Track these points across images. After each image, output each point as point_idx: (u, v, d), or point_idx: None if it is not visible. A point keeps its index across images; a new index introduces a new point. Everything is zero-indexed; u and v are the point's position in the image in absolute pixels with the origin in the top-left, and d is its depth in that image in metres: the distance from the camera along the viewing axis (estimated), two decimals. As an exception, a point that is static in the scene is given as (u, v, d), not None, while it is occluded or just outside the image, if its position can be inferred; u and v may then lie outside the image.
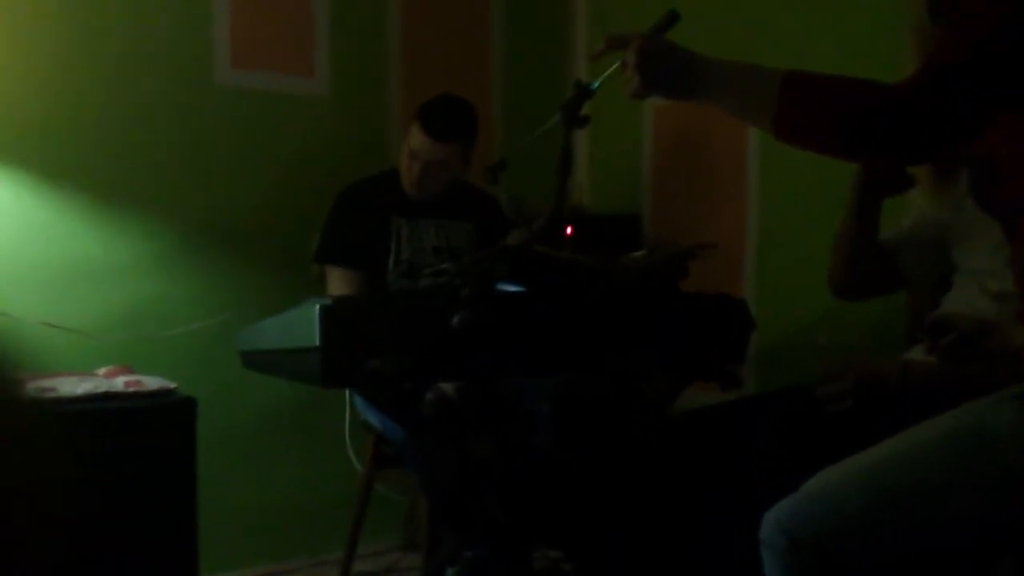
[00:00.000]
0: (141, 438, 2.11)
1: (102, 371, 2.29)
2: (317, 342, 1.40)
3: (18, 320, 2.38)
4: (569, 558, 2.47)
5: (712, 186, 2.96)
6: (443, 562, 2.15)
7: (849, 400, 1.64)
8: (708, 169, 2.98)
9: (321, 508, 2.88)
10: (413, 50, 3.06)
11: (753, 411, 1.85)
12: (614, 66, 1.85)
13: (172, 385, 2.22)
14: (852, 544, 1.26)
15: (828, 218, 2.63)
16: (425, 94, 2.57)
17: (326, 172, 2.81)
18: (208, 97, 2.70)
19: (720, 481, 1.73)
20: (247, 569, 2.76)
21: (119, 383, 2.17)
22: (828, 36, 2.61)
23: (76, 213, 2.51)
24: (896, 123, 1.18)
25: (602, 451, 2.15)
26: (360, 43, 2.97)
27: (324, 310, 1.41)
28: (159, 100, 2.62)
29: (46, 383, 2.12)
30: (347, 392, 2.71)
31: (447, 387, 2.16)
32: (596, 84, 1.87)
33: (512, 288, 1.54)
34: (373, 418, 2.46)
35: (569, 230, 2.57)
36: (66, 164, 2.49)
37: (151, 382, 2.20)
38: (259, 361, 1.70)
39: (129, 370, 2.29)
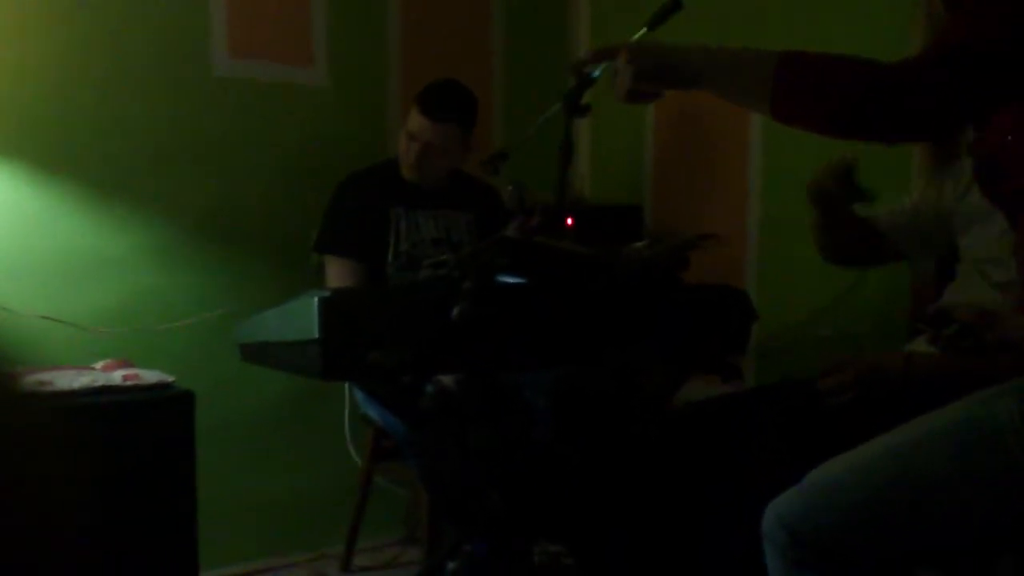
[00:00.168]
0: (140, 432, 2.10)
1: (100, 365, 2.28)
2: (316, 334, 1.39)
3: (15, 313, 2.37)
4: (570, 552, 2.47)
5: (714, 177, 2.95)
6: (444, 556, 2.15)
7: (850, 393, 1.63)
8: (710, 159, 2.97)
9: (321, 502, 2.88)
10: (413, 40, 3.04)
11: (754, 403, 1.84)
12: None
13: (170, 379, 2.21)
14: (853, 538, 1.25)
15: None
16: (425, 84, 2.56)
17: (325, 163, 2.79)
18: (206, 87, 2.68)
19: (721, 474, 1.73)
20: (247, 563, 2.75)
21: (117, 377, 2.16)
22: (839, 26, 2.59)
23: (73, 206, 2.50)
24: (896, 101, 1.17)
25: (602, 445, 2.14)
26: (359, 33, 2.95)
27: (323, 302, 1.40)
28: (157, 90, 2.60)
29: (44, 377, 2.11)
30: (347, 385, 2.70)
31: (447, 380, 2.15)
32: (597, 73, 1.86)
33: (512, 280, 1.53)
34: (373, 411, 2.46)
35: (570, 221, 2.56)
36: (63, 156, 2.48)
37: (149, 375, 2.19)
38: (258, 354, 1.69)
39: (127, 363, 2.28)
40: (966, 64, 1.15)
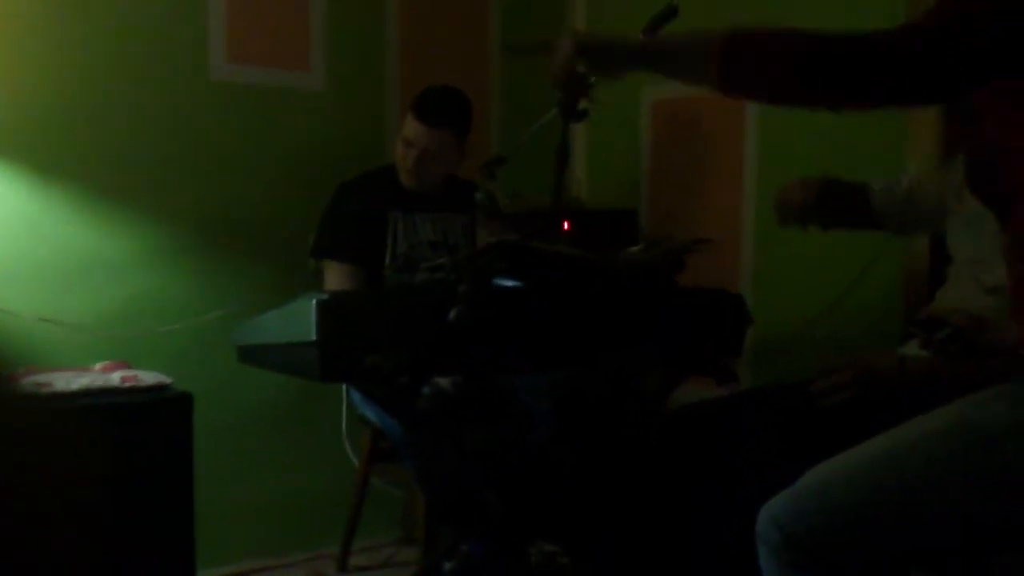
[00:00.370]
0: (138, 433, 2.11)
1: (98, 366, 2.28)
2: (314, 337, 1.40)
3: (14, 315, 2.38)
4: (566, 552, 2.47)
5: (709, 181, 2.96)
6: (440, 556, 2.15)
7: (844, 394, 1.64)
8: (705, 164, 2.98)
9: (318, 503, 2.88)
10: (410, 45, 3.05)
11: (749, 406, 1.85)
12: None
13: (168, 380, 2.21)
14: (846, 539, 1.26)
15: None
16: (422, 89, 2.57)
17: (322, 167, 2.80)
18: (203, 92, 2.69)
19: (716, 475, 1.74)
20: (244, 563, 2.76)
21: (115, 378, 2.16)
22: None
23: (72, 208, 2.51)
24: (847, 65, 1.16)
25: (599, 447, 2.15)
26: (357, 37, 2.96)
27: (321, 305, 1.41)
28: (154, 94, 2.61)
29: (42, 378, 2.12)
30: (344, 387, 2.71)
31: (444, 382, 2.16)
32: (593, 78, 1.87)
33: (509, 283, 1.54)
34: (370, 413, 2.46)
35: (566, 225, 2.57)
36: (61, 159, 2.48)
37: (147, 377, 2.20)
38: (256, 356, 1.70)
39: (125, 365, 2.28)
40: (941, 39, 1.14)
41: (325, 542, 2.86)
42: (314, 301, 1.41)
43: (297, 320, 1.45)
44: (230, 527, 2.71)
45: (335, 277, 2.54)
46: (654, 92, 3.12)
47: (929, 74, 1.15)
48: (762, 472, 1.57)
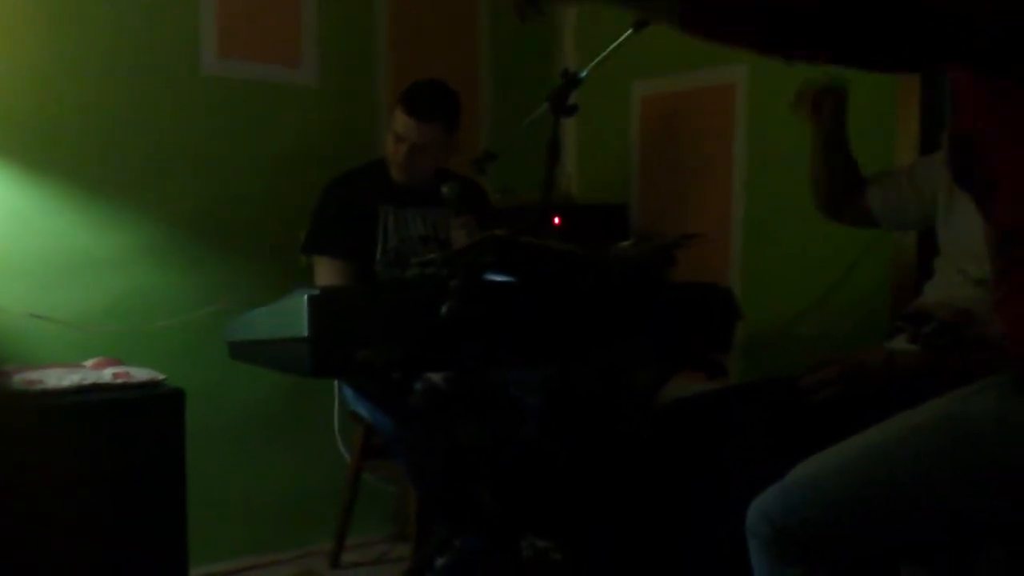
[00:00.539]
0: (129, 430, 2.10)
1: (90, 363, 2.28)
2: (306, 332, 1.41)
3: (5, 312, 2.37)
4: (558, 547, 2.48)
5: (699, 176, 2.97)
6: (432, 552, 2.16)
7: (832, 390, 1.65)
8: (696, 159, 2.99)
9: (310, 499, 2.89)
10: (401, 40, 3.05)
11: (738, 400, 1.86)
12: (601, 55, 1.86)
13: (160, 376, 2.21)
14: (836, 532, 1.27)
15: (814, 210, 2.65)
16: (410, 83, 2.56)
17: (314, 162, 2.80)
18: (195, 87, 2.68)
19: (705, 469, 1.74)
20: (237, 560, 2.76)
21: (107, 375, 2.16)
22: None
23: (63, 204, 2.50)
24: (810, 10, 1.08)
25: (590, 442, 2.16)
26: (348, 33, 2.95)
27: (312, 300, 1.41)
28: (145, 90, 2.60)
29: (33, 375, 2.11)
30: (336, 383, 2.71)
31: (436, 377, 2.16)
32: (584, 73, 1.88)
33: (500, 278, 1.55)
34: (362, 409, 2.47)
35: (557, 220, 2.57)
36: (52, 155, 2.48)
37: (139, 374, 2.19)
38: (247, 352, 1.70)
39: (117, 362, 2.28)
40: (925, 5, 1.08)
41: (317, 538, 2.86)
42: (306, 297, 1.41)
43: (289, 316, 1.45)
44: (223, 523, 2.70)
45: (326, 273, 2.54)
46: (644, 87, 3.12)
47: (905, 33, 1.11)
48: (752, 466, 1.58)
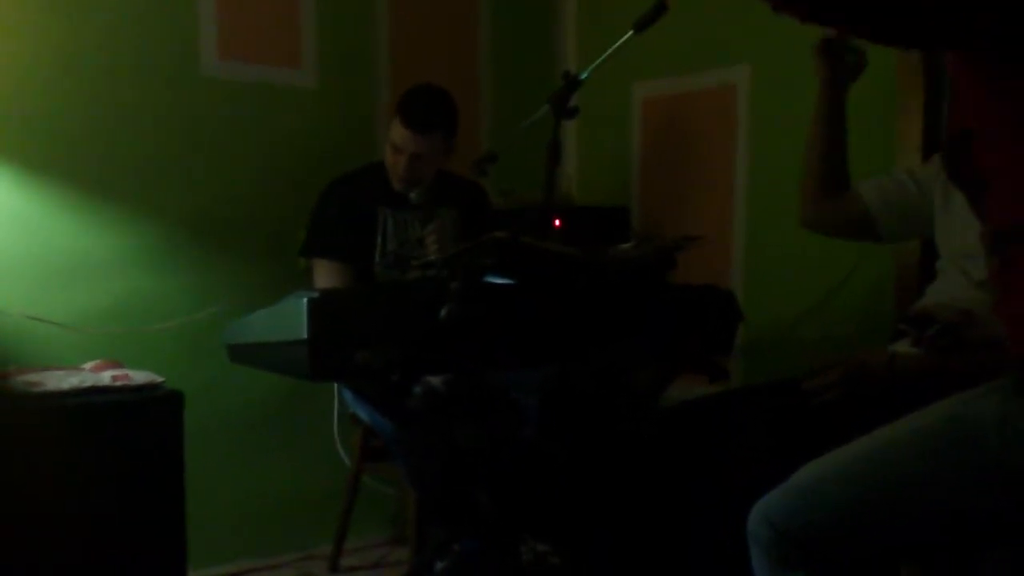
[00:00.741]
0: (128, 432, 2.10)
1: (89, 365, 2.28)
2: (305, 335, 1.40)
3: (4, 314, 2.37)
4: (557, 551, 2.47)
5: (700, 178, 2.96)
6: (432, 555, 2.15)
7: (835, 392, 1.64)
8: (696, 161, 2.98)
9: (309, 502, 2.88)
10: (401, 41, 3.05)
11: (741, 403, 1.86)
12: (602, 57, 1.85)
13: (159, 379, 2.21)
14: (838, 535, 1.26)
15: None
16: (404, 92, 2.55)
17: (314, 164, 2.80)
18: (194, 89, 2.68)
19: (707, 472, 1.74)
20: (235, 563, 2.75)
21: (106, 377, 2.16)
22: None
23: (62, 206, 2.49)
24: None
25: (590, 444, 2.15)
26: (348, 34, 2.95)
27: (312, 303, 1.40)
28: (145, 91, 2.60)
29: (33, 377, 2.11)
30: (335, 385, 2.70)
31: (435, 380, 2.15)
32: (585, 75, 1.87)
33: (500, 280, 1.54)
34: (361, 411, 2.46)
35: (557, 222, 2.57)
36: (51, 157, 2.47)
37: (138, 376, 2.19)
38: (246, 355, 1.70)
39: (116, 364, 2.27)
40: None
41: (316, 541, 2.85)
42: (305, 299, 1.41)
43: (288, 318, 1.45)
44: (221, 526, 2.70)
45: (325, 275, 2.53)
46: (645, 89, 3.12)
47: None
48: (754, 469, 1.58)
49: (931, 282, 1.88)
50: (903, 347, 1.70)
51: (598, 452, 2.10)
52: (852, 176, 1.99)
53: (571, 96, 1.87)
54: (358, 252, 2.54)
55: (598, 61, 1.85)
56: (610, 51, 1.83)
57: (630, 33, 1.82)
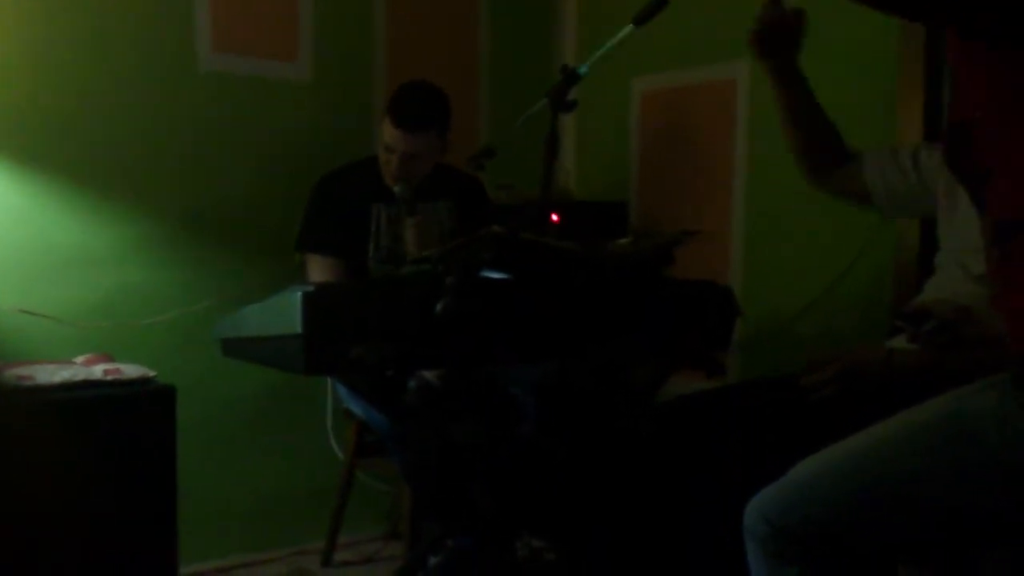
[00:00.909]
0: (120, 427, 2.09)
1: (80, 359, 2.26)
2: (299, 329, 1.39)
3: (-5, 307, 2.36)
4: (553, 547, 2.47)
5: (699, 173, 2.96)
6: (426, 551, 2.14)
7: (832, 388, 1.64)
8: (695, 156, 2.97)
9: (303, 497, 2.87)
10: (398, 35, 3.03)
11: (738, 399, 1.85)
12: (600, 51, 1.84)
13: (151, 373, 2.19)
14: (834, 531, 1.26)
15: (814, 207, 2.63)
16: (395, 91, 2.54)
17: (309, 158, 2.78)
18: (189, 82, 2.66)
19: (704, 468, 1.73)
20: (228, 558, 2.74)
21: (98, 371, 2.14)
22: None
23: (55, 200, 2.48)
24: None
25: (589, 439, 2.15)
26: (344, 27, 2.94)
27: (306, 297, 1.39)
28: (140, 84, 2.59)
29: (23, 371, 2.09)
30: (329, 380, 2.69)
31: (430, 375, 2.14)
32: (584, 69, 1.86)
33: (496, 275, 1.53)
34: (356, 406, 2.45)
35: (555, 217, 2.56)
36: (45, 150, 2.46)
37: (130, 370, 2.18)
38: (240, 349, 1.68)
39: (108, 358, 2.26)
40: None
41: (310, 537, 2.84)
42: (300, 293, 1.40)
43: (282, 313, 1.44)
44: (214, 521, 2.69)
45: (318, 270, 2.52)
46: (644, 83, 3.11)
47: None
48: (751, 465, 1.57)
49: (930, 277, 1.88)
50: (900, 343, 1.69)
51: (596, 448, 2.10)
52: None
53: (570, 90, 1.86)
54: (351, 247, 2.52)
55: (597, 55, 1.83)
56: (609, 45, 1.82)
57: (629, 27, 1.81)
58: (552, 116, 1.84)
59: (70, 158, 2.50)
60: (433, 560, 2.18)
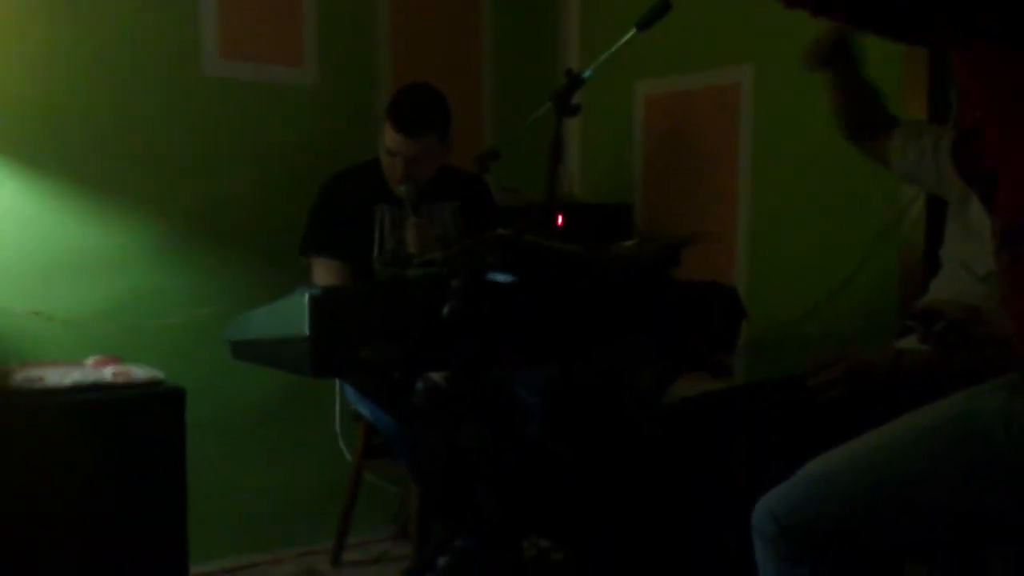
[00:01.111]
0: (130, 428, 2.10)
1: (90, 361, 2.27)
2: (307, 332, 1.40)
3: (6, 310, 2.37)
4: (560, 547, 2.47)
5: (704, 176, 2.96)
6: (434, 551, 2.15)
7: (840, 388, 1.64)
8: (700, 158, 2.98)
9: (311, 498, 2.88)
10: (402, 39, 3.04)
11: (744, 400, 1.85)
12: (604, 54, 1.85)
13: (161, 375, 2.20)
14: (842, 531, 1.26)
15: (819, 208, 2.64)
16: (394, 95, 2.54)
17: (315, 162, 2.79)
18: (196, 87, 2.68)
19: (711, 469, 1.74)
20: (237, 558, 2.75)
21: (107, 373, 2.15)
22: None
23: (64, 204, 2.49)
24: None
25: (595, 442, 2.15)
26: (349, 33, 2.94)
27: (314, 300, 1.40)
28: (146, 90, 2.60)
29: (34, 373, 2.10)
30: (337, 382, 2.70)
31: (437, 377, 2.15)
32: (587, 73, 1.87)
33: (502, 278, 1.54)
34: (363, 408, 2.46)
35: (560, 220, 2.56)
36: (53, 155, 2.47)
37: (140, 372, 2.19)
38: (248, 351, 1.70)
39: (117, 360, 2.27)
40: None
41: (318, 537, 2.85)
42: (307, 296, 1.41)
43: (290, 315, 1.45)
44: (223, 522, 2.70)
45: (323, 273, 2.52)
46: (648, 87, 3.11)
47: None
48: (758, 466, 1.57)
49: (934, 277, 1.88)
50: (910, 343, 1.69)
51: (602, 450, 2.10)
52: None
53: (574, 94, 1.86)
54: (356, 249, 2.53)
55: (601, 59, 1.84)
56: (613, 49, 1.83)
57: (633, 31, 1.82)
58: (556, 120, 1.85)
59: (80, 163, 2.51)
60: (441, 560, 2.19)
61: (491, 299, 1.52)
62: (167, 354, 2.50)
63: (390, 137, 2.46)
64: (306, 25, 2.86)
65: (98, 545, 1.89)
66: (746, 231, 2.81)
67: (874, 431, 1.28)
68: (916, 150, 1.91)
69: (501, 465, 1.97)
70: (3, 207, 2.41)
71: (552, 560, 2.50)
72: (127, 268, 2.59)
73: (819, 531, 1.26)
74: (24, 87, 2.42)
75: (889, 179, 2.27)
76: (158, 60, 2.61)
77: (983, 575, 1.47)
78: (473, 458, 1.94)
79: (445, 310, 1.43)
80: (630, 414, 2.13)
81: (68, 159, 2.49)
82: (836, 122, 2.00)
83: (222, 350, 1.78)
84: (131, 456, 2.08)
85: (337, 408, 2.77)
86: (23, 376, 2.07)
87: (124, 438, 2.08)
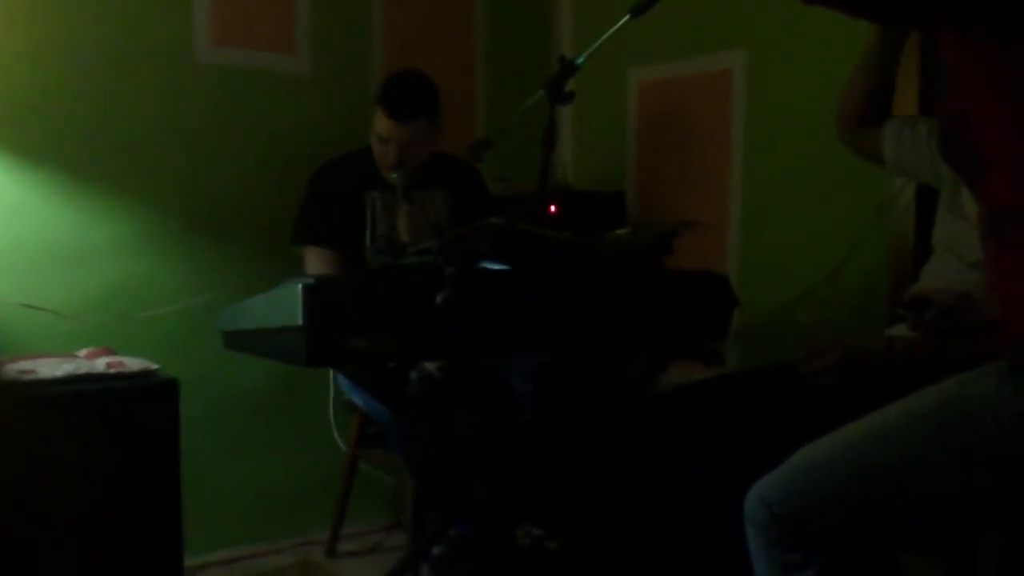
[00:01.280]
0: (123, 420, 2.10)
1: (83, 352, 2.27)
2: (300, 321, 1.40)
3: (-3, 301, 2.36)
4: (553, 536, 2.48)
5: (696, 163, 2.96)
6: (428, 541, 2.16)
7: (832, 375, 1.64)
8: (692, 146, 2.98)
9: (306, 488, 2.88)
10: (395, 26, 3.03)
11: (736, 387, 1.86)
12: (597, 41, 1.84)
13: (154, 366, 2.20)
14: (834, 517, 1.27)
15: (811, 197, 2.64)
16: (383, 81, 2.53)
17: (308, 151, 2.78)
18: (188, 75, 2.67)
19: (703, 457, 1.74)
20: (232, 549, 2.75)
21: (100, 364, 2.15)
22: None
23: (56, 193, 2.49)
24: None
25: (586, 430, 2.16)
26: (342, 20, 2.93)
27: (307, 289, 1.40)
28: (139, 77, 2.59)
29: (26, 365, 2.10)
30: (331, 372, 2.70)
31: (431, 366, 2.15)
32: (580, 59, 1.86)
33: (496, 266, 1.54)
34: (357, 398, 2.46)
35: (553, 208, 2.56)
36: (44, 143, 2.46)
37: (133, 363, 2.18)
38: (241, 341, 1.69)
39: (110, 351, 2.27)
40: None
41: (313, 527, 2.85)
42: (300, 285, 1.40)
43: (283, 305, 1.44)
44: (218, 513, 2.70)
45: (315, 262, 2.52)
46: (641, 74, 3.11)
47: None
48: (750, 453, 1.58)
49: (925, 264, 1.89)
50: (901, 331, 1.70)
51: (593, 438, 2.11)
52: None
53: (566, 81, 1.86)
54: (347, 238, 2.52)
55: (594, 46, 1.84)
56: (606, 36, 1.82)
57: (626, 18, 1.81)
58: (549, 107, 1.85)
59: (70, 151, 2.50)
60: (436, 550, 2.20)
61: (485, 287, 1.52)
62: (160, 345, 2.49)
63: (382, 124, 2.46)
64: (299, 12, 2.85)
65: (92, 537, 1.89)
66: (738, 218, 2.81)
67: (865, 417, 1.29)
68: (912, 137, 1.91)
69: (494, 454, 1.98)
70: (-6, 198, 2.40)
71: (546, 548, 2.51)
72: (119, 258, 2.58)
73: (811, 517, 1.27)
74: (14, 76, 2.41)
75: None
76: (150, 48, 2.60)
77: (974, 562, 1.48)
78: (466, 447, 1.94)
79: (439, 299, 1.43)
80: (622, 402, 2.13)
81: (59, 148, 2.48)
82: (839, 110, 1.99)
83: (216, 340, 1.78)
84: (125, 447, 2.08)
85: (331, 398, 2.77)
86: (15, 368, 2.06)
87: (118, 429, 2.08)
